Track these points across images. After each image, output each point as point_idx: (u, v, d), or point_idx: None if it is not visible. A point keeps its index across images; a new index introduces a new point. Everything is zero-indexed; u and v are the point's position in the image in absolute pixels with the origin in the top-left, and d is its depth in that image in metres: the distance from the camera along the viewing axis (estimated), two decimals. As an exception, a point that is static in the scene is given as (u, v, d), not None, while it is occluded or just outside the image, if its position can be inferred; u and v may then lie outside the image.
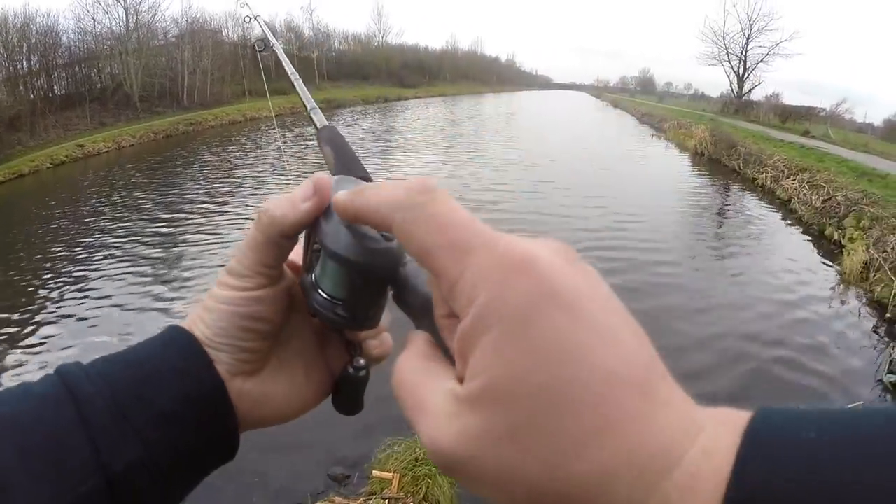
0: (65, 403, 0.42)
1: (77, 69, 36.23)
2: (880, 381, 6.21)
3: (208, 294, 0.51)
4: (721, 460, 0.27)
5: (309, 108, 0.71)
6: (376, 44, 70.55)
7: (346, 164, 0.60)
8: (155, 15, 39.98)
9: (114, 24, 37.65)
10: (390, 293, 0.48)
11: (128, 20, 37.78)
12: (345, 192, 0.42)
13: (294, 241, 0.49)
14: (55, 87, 34.39)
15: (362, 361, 0.53)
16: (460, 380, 0.33)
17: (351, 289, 0.47)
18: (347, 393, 0.55)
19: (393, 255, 0.46)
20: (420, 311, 0.43)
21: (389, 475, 4.51)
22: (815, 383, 6.14)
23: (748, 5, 47.14)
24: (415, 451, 4.62)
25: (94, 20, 37.14)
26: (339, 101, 49.36)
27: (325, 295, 0.47)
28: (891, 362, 6.42)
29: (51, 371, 0.46)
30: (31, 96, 31.31)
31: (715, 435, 0.28)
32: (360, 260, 0.45)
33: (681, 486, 0.27)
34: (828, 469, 0.24)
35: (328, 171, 0.57)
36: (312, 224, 0.47)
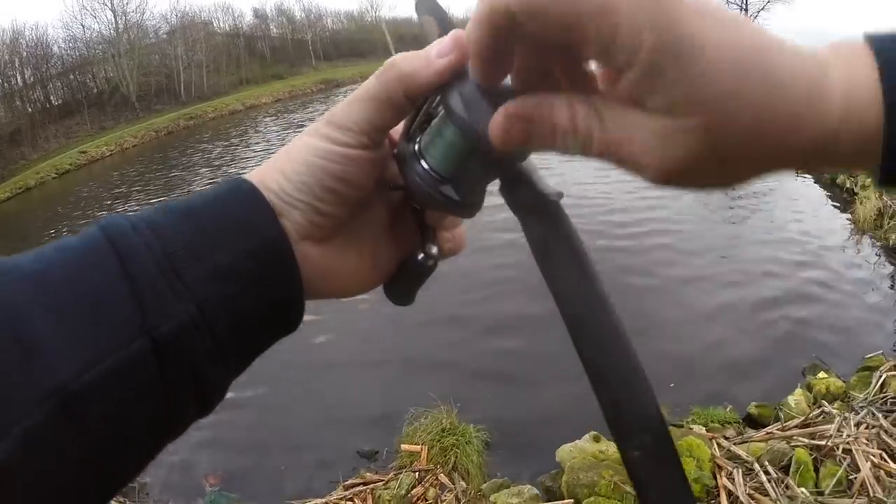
0: (106, 256, 0.36)
1: (72, 77, 36.48)
2: (898, 327, 6.10)
3: (296, 143, 0.44)
4: (863, 54, 0.32)
5: None
6: (370, 19, 69.87)
7: None
8: (143, 14, 39.97)
9: (103, 27, 37.70)
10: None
11: (116, 22, 37.73)
12: None
13: (414, 105, 0.43)
14: (52, 98, 34.76)
15: (435, 250, 0.48)
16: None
17: (464, 168, 0.42)
18: (408, 281, 0.50)
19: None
20: (531, 209, 0.40)
21: (418, 448, 4.48)
22: (830, 334, 5.98)
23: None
24: (441, 421, 4.57)
25: (83, 26, 37.23)
26: (337, 81, 48.55)
27: (429, 169, 0.42)
28: (908, 309, 6.26)
29: None
30: (29, 109, 31.76)
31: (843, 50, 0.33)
32: None
33: (842, 75, 0.31)
34: None
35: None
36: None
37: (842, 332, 6.03)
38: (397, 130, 0.46)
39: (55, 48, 35.89)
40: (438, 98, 0.42)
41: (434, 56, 0.41)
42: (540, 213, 0.40)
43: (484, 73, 0.38)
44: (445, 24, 0.49)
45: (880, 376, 4.62)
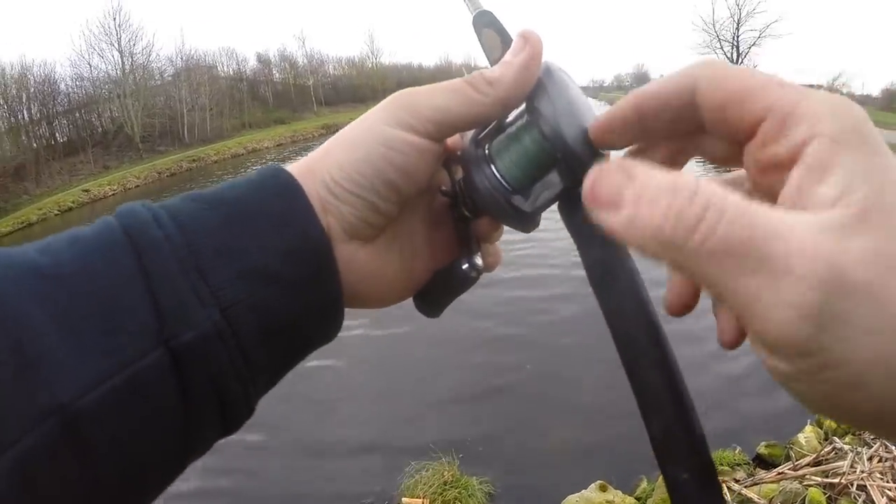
0: (122, 251, 0.33)
1: (77, 115, 36.58)
2: None
3: (360, 127, 0.41)
4: None
5: None
6: (370, 65, 70.68)
7: None
8: (150, 56, 40.27)
9: (110, 68, 37.93)
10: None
11: (123, 63, 38.06)
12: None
13: (502, 110, 0.42)
14: (57, 135, 34.74)
15: (480, 262, 0.45)
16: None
17: (536, 180, 0.41)
18: (444, 291, 0.47)
19: None
20: (591, 232, 0.38)
21: (419, 501, 4.48)
22: None
23: (735, -7, 46.95)
24: (443, 474, 4.58)
25: (90, 66, 37.47)
26: (337, 126, 47.11)
27: (498, 175, 0.41)
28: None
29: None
30: (34, 145, 31.74)
31: None
32: (586, 158, 0.38)
33: None
34: None
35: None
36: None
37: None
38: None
39: (62, 85, 36.13)
40: (521, 107, 0.42)
41: (512, 58, 0.40)
42: (600, 236, 0.37)
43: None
44: (506, 35, 0.49)
45: (892, 406, 4.61)
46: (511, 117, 0.43)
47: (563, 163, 0.40)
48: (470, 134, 0.44)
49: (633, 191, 0.27)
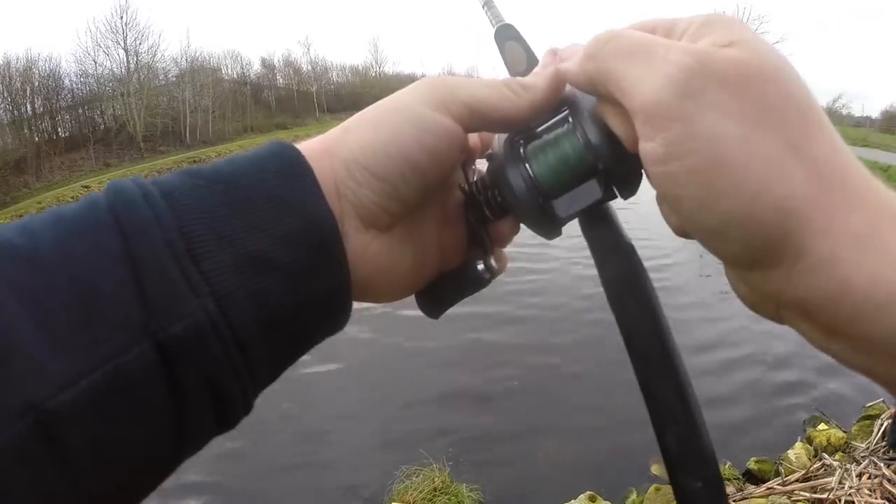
0: (107, 233, 0.29)
1: (80, 111, 36.65)
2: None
3: (391, 104, 0.39)
4: None
5: (482, 2, 0.57)
6: (374, 74, 70.70)
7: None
8: (155, 56, 40.31)
9: (115, 66, 37.96)
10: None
11: (128, 62, 38.10)
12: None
13: (533, 114, 0.42)
14: (59, 130, 34.82)
15: (496, 265, 0.44)
16: None
17: (569, 188, 0.41)
18: (454, 291, 0.45)
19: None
20: (612, 248, 0.41)
21: (409, 505, 4.49)
22: (830, 384, 5.90)
23: (738, 10, 47.36)
24: (433, 480, 4.58)
25: (96, 62, 37.49)
26: None
27: (533, 177, 0.40)
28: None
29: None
30: (36, 139, 31.80)
31: None
32: (627, 171, 0.39)
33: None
34: None
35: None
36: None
37: (841, 381, 6.01)
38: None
39: (66, 81, 36.11)
40: (563, 111, 0.42)
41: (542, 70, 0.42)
42: (621, 252, 0.40)
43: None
44: (529, 49, 0.50)
45: (881, 424, 4.65)
46: (548, 124, 0.42)
47: (605, 174, 0.39)
48: (501, 137, 0.44)
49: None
